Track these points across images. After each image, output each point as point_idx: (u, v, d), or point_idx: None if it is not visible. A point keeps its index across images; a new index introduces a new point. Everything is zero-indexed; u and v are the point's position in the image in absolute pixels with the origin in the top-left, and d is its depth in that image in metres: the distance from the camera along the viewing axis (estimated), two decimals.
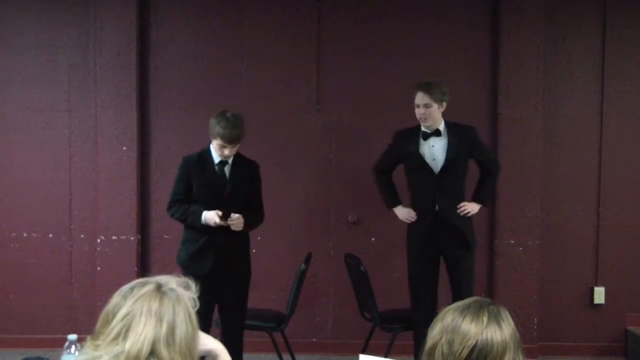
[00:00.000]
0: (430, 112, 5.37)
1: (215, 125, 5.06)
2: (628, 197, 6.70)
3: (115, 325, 1.89)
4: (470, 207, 5.49)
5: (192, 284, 2.07)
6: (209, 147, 5.24)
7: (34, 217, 6.77)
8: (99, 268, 6.64)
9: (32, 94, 6.75)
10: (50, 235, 6.78)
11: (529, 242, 6.55)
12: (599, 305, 6.74)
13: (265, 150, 6.73)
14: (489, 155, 5.76)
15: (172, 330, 1.90)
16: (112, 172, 6.63)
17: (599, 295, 6.72)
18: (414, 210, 5.53)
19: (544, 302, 6.63)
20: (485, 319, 2.05)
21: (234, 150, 5.18)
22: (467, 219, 5.49)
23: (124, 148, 6.62)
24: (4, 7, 6.72)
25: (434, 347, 2.08)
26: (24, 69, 6.75)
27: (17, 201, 6.77)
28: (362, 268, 5.67)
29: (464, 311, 2.09)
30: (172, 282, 2.02)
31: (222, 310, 5.36)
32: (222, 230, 5.10)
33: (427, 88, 5.37)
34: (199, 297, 4.88)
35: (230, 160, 5.25)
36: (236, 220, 5.09)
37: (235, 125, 5.06)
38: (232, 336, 5.33)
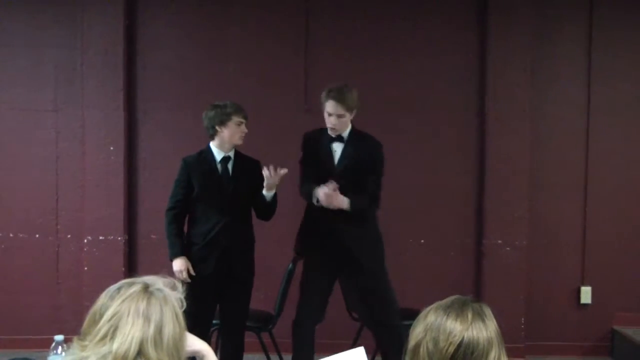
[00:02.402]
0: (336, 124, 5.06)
1: (223, 110, 5.07)
2: (614, 197, 6.73)
3: (103, 325, 1.88)
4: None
5: (179, 285, 2.06)
6: (208, 146, 5.17)
7: (20, 217, 6.74)
8: (85, 268, 6.62)
9: (19, 93, 6.72)
10: (37, 236, 6.75)
11: (516, 242, 6.57)
12: (585, 304, 6.77)
13: (253, 150, 6.70)
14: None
15: (159, 330, 1.90)
16: (99, 172, 6.61)
17: (586, 295, 6.75)
18: None
19: (531, 302, 6.65)
20: (470, 315, 2.06)
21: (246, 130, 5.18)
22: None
23: (111, 148, 6.60)
24: None
25: (417, 346, 2.08)
26: (11, 69, 6.72)
27: (3, 201, 6.74)
28: None
29: (447, 309, 2.09)
30: (159, 282, 2.01)
31: (223, 313, 5.30)
32: (224, 232, 5.07)
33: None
34: (201, 299, 4.87)
35: (232, 157, 5.19)
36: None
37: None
38: (233, 339, 5.32)
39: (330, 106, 5.01)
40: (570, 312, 6.78)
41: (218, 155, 5.15)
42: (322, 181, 4.97)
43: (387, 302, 5.18)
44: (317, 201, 5.01)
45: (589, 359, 6.70)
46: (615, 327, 6.70)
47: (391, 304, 5.20)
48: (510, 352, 6.55)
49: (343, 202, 4.94)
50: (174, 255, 5.08)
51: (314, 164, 5.22)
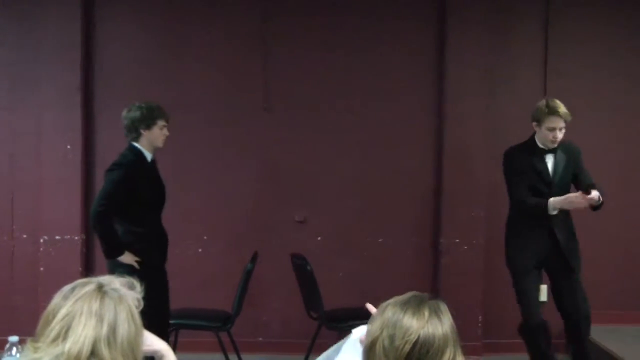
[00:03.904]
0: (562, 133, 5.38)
1: (149, 113, 5.07)
2: None
3: (55, 326, 1.87)
4: None
5: (137, 284, 2.05)
6: (138, 148, 5.14)
7: None
8: (42, 269, 6.55)
9: None
10: None
11: (474, 241, 6.62)
12: (542, 302, 6.83)
13: (212, 149, 6.71)
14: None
15: (113, 330, 1.88)
16: (55, 171, 6.54)
17: (542, 292, 6.81)
18: None
19: (488, 300, 6.71)
20: (426, 313, 2.05)
21: None
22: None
23: (68, 147, 6.54)
24: None
25: (374, 343, 2.06)
26: None
27: None
28: (308, 267, 5.69)
29: (404, 306, 2.08)
30: (116, 282, 2.00)
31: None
32: (162, 230, 5.28)
33: (565, 113, 5.32)
34: (157, 297, 4.89)
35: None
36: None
37: None
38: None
39: (555, 121, 5.28)
40: None
41: (148, 157, 5.16)
42: (539, 192, 5.39)
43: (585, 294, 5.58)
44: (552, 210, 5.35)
45: None
46: None
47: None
48: (467, 350, 6.59)
49: (594, 197, 5.23)
50: (122, 251, 5.03)
51: (528, 178, 5.45)
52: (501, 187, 6.72)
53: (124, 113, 5.14)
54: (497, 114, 6.76)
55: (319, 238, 6.69)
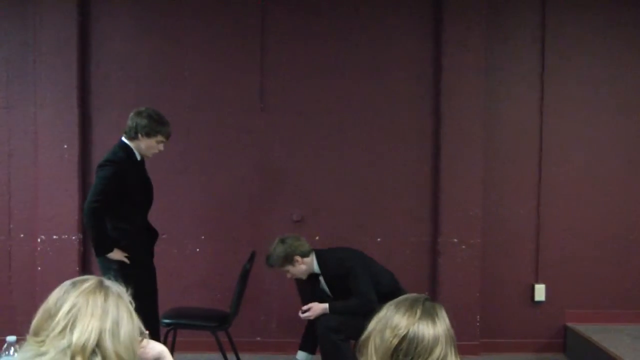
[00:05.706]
0: (293, 274, 5.52)
1: (154, 124, 5.11)
2: (567, 196, 6.82)
3: (61, 318, 1.86)
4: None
5: (124, 289, 2.05)
6: (128, 145, 5.16)
7: None
8: (39, 268, 6.54)
9: None
10: None
11: (471, 241, 6.62)
12: (539, 302, 6.84)
13: (209, 149, 6.69)
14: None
15: (117, 323, 1.89)
16: (52, 170, 6.53)
17: (540, 292, 6.82)
18: None
19: (486, 300, 6.71)
20: (418, 312, 2.13)
21: None
22: None
23: (65, 146, 6.52)
24: None
25: (367, 338, 2.16)
26: None
27: None
28: None
29: (398, 304, 2.17)
30: (108, 282, 2.01)
31: None
32: (148, 229, 5.37)
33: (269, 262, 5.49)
34: (148, 291, 4.91)
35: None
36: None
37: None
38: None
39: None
40: (525, 310, 6.85)
41: (137, 156, 5.20)
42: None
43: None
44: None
45: (542, 355, 6.78)
46: (568, 324, 6.78)
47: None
48: (465, 349, 6.63)
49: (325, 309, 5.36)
50: (112, 248, 5.05)
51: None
52: (498, 186, 6.76)
53: (133, 114, 5.15)
54: (494, 113, 6.76)
55: (316, 238, 6.68)
